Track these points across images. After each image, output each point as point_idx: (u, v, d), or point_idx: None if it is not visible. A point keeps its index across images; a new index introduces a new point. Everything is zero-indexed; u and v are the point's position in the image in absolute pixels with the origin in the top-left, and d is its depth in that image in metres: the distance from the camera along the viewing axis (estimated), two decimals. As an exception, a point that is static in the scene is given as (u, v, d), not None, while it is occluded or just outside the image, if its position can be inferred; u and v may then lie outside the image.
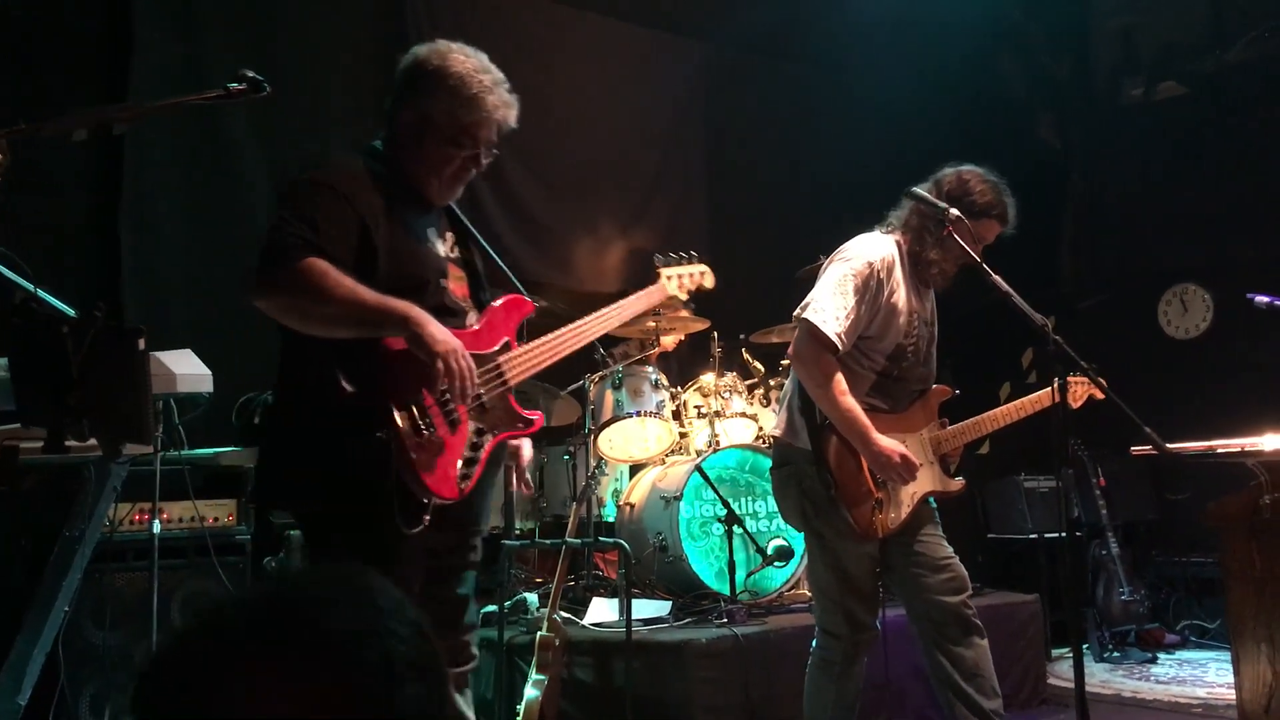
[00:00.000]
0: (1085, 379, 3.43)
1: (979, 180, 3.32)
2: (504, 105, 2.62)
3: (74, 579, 3.31)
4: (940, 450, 3.40)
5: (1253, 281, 4.61)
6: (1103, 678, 5.74)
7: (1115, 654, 6.15)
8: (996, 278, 3.09)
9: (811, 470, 3.24)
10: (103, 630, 3.92)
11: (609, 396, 5.36)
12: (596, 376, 5.33)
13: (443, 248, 2.69)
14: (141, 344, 2.07)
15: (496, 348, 2.68)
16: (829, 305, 3.18)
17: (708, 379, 5.48)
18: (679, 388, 5.54)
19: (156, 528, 3.82)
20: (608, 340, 5.49)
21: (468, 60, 2.61)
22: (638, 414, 5.28)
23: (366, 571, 0.95)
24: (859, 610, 3.30)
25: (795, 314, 3.27)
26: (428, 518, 2.42)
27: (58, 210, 4.72)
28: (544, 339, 2.78)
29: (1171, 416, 4.16)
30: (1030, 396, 3.52)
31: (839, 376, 3.18)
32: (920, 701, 4.33)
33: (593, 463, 5.11)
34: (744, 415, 5.40)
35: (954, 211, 3.19)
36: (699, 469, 4.83)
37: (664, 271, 3.32)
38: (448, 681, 0.93)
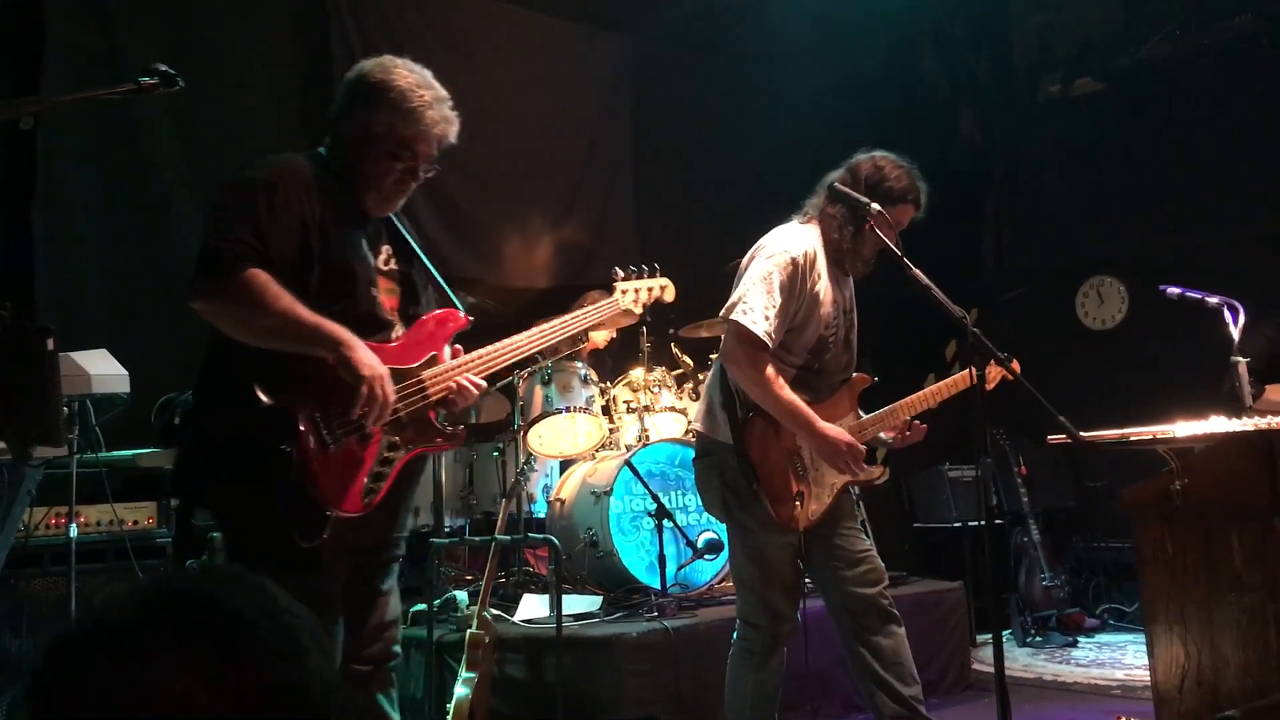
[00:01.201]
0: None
1: (893, 166, 3.36)
2: (443, 121, 2.67)
3: (-13, 585, 3.23)
4: (861, 439, 3.42)
5: (1166, 274, 4.74)
6: (1025, 662, 5.87)
7: (1037, 638, 6.28)
8: (916, 271, 3.08)
9: (733, 462, 3.25)
10: (19, 638, 3.83)
11: (538, 392, 5.35)
12: (525, 372, 5.32)
13: (375, 259, 2.69)
14: (51, 343, 2.02)
15: (420, 363, 2.67)
16: (756, 304, 3.18)
17: (637, 374, 5.49)
18: (608, 383, 5.54)
19: (74, 532, 3.74)
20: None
21: (409, 75, 2.66)
22: (567, 409, 5.28)
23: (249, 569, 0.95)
24: (780, 601, 3.32)
25: (722, 314, 3.27)
26: (326, 533, 2.40)
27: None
28: (475, 354, 2.76)
29: (1088, 405, 4.28)
30: (944, 381, 3.55)
31: (773, 373, 3.19)
32: (846, 690, 4.39)
33: (522, 459, 5.10)
34: (673, 410, 5.42)
35: (875, 206, 3.21)
36: (629, 464, 4.84)
37: (619, 285, 3.21)
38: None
